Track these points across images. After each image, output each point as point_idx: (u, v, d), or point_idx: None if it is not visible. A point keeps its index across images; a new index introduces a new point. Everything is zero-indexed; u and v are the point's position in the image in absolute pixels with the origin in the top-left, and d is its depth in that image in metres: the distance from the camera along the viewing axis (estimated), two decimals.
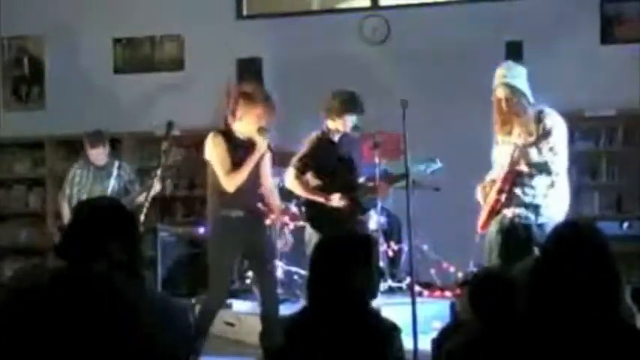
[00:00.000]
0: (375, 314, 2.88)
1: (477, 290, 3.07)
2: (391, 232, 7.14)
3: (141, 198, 5.78)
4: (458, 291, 5.65)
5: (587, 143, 7.51)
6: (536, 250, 4.50)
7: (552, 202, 4.85)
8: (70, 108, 8.37)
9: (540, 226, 4.78)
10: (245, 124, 5.07)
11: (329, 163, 5.53)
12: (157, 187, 5.30)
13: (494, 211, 4.92)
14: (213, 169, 5.08)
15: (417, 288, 5.37)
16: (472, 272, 5.36)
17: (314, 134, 5.58)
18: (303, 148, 5.56)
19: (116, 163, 6.66)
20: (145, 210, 4.78)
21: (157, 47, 8.49)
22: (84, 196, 6.49)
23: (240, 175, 5.03)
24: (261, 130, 5.04)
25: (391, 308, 5.21)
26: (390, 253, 6.87)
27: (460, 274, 6.58)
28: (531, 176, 4.82)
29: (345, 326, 2.70)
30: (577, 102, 7.14)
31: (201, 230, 7.53)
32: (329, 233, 5.36)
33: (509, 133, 4.91)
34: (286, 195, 6.15)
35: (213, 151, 5.06)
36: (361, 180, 5.83)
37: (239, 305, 6.58)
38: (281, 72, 8.06)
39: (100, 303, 2.27)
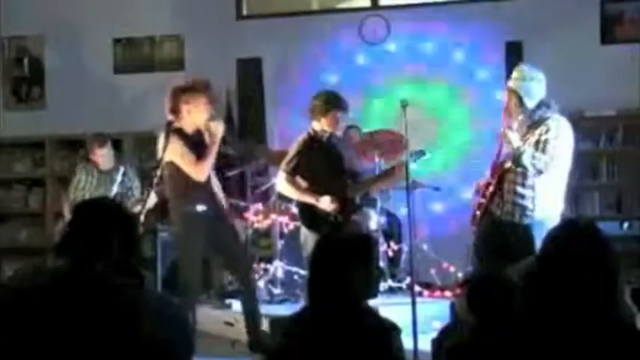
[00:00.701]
0: (375, 314, 2.88)
1: (474, 290, 3.08)
2: (391, 232, 7.15)
3: (137, 208, 5.77)
4: (458, 291, 5.65)
5: (587, 143, 7.50)
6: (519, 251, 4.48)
7: (541, 204, 4.82)
8: (70, 108, 8.37)
9: (526, 226, 4.77)
10: (191, 117, 5.20)
11: (318, 163, 5.51)
12: (152, 199, 5.28)
13: (483, 208, 4.93)
14: (173, 166, 5.16)
15: (417, 288, 5.37)
16: (471, 272, 5.37)
17: (301, 137, 5.58)
18: (292, 150, 5.56)
19: (121, 169, 6.62)
20: (144, 210, 4.79)
21: (156, 47, 8.49)
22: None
23: (208, 163, 5.18)
24: (212, 117, 5.22)
25: (391, 308, 5.20)
26: (390, 253, 6.87)
27: (460, 274, 6.58)
28: (525, 176, 4.81)
29: (345, 326, 2.70)
30: (577, 102, 7.14)
31: None
32: (323, 234, 5.38)
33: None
34: (285, 197, 6.15)
35: (174, 149, 5.12)
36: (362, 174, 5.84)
37: (239, 305, 6.57)
38: (281, 72, 8.06)
39: (100, 303, 2.27)
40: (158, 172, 4.92)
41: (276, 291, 6.61)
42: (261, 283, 6.61)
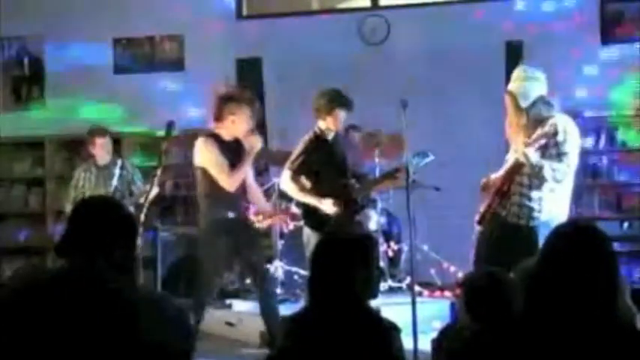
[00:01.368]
0: (376, 314, 2.88)
1: (471, 291, 3.08)
2: (391, 232, 7.15)
3: (140, 200, 5.80)
4: (458, 291, 5.65)
5: (587, 143, 7.50)
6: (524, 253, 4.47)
7: (549, 205, 4.78)
8: (70, 108, 8.37)
9: (531, 228, 4.73)
10: (234, 127, 5.24)
11: (323, 163, 5.51)
12: (154, 190, 5.30)
13: (490, 209, 4.89)
14: (205, 174, 5.20)
15: (417, 288, 5.37)
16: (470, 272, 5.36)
17: (307, 136, 5.58)
18: (297, 149, 5.56)
19: (118, 162, 6.64)
20: (144, 210, 4.78)
21: (157, 47, 8.50)
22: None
23: (240, 174, 5.22)
24: (253, 131, 5.28)
25: (391, 308, 5.21)
26: (390, 253, 6.87)
27: (460, 274, 6.58)
28: (530, 177, 4.79)
29: (346, 326, 2.70)
30: (577, 102, 7.14)
31: None
32: (326, 234, 5.38)
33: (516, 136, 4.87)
34: (286, 196, 6.15)
35: (207, 155, 5.19)
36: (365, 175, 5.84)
37: (239, 305, 6.59)
38: (281, 72, 8.06)
39: (100, 303, 2.27)
40: (159, 172, 4.92)
41: (277, 291, 6.61)
42: None
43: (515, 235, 4.72)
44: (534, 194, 4.73)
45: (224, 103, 5.26)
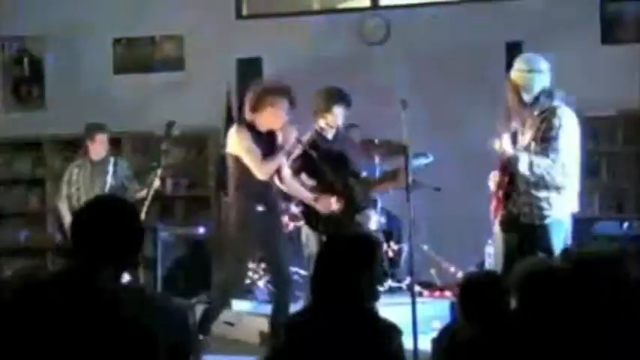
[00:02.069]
0: (376, 314, 2.88)
1: (464, 293, 3.09)
2: (391, 232, 7.14)
3: (142, 194, 5.81)
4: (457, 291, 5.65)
5: (587, 143, 7.48)
6: (538, 252, 4.46)
7: (558, 204, 4.74)
8: (70, 108, 8.36)
9: (544, 226, 4.69)
10: (270, 118, 5.18)
11: (323, 162, 5.51)
12: (157, 183, 5.30)
13: (500, 202, 4.82)
14: (238, 162, 5.13)
15: (417, 288, 5.37)
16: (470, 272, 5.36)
17: (308, 134, 5.58)
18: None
19: (112, 160, 6.67)
20: (145, 208, 4.79)
21: (157, 47, 8.49)
22: (83, 194, 6.50)
23: (274, 163, 5.17)
24: (288, 123, 5.21)
25: (391, 308, 5.20)
26: (390, 253, 6.87)
27: (460, 274, 6.58)
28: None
29: (347, 326, 2.70)
30: (577, 102, 7.13)
31: (201, 230, 7.54)
32: (325, 233, 5.39)
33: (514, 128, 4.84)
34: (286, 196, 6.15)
35: (241, 143, 5.13)
36: (364, 175, 5.84)
37: (239, 305, 6.58)
38: (281, 72, 8.05)
39: (99, 303, 2.27)
40: (159, 172, 4.91)
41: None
42: (261, 283, 6.61)
43: (534, 235, 4.67)
44: (541, 194, 4.68)
45: (263, 96, 5.21)
